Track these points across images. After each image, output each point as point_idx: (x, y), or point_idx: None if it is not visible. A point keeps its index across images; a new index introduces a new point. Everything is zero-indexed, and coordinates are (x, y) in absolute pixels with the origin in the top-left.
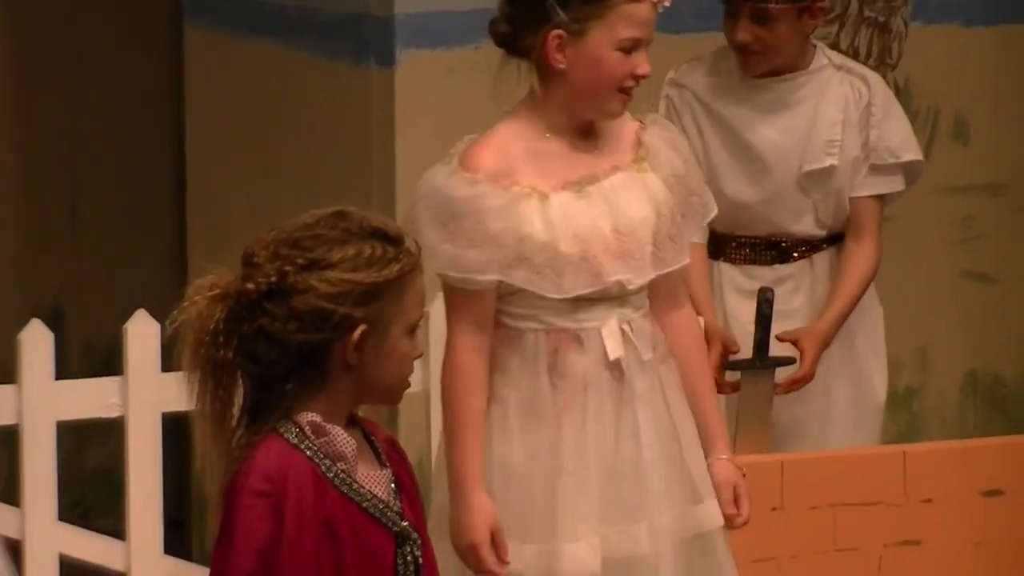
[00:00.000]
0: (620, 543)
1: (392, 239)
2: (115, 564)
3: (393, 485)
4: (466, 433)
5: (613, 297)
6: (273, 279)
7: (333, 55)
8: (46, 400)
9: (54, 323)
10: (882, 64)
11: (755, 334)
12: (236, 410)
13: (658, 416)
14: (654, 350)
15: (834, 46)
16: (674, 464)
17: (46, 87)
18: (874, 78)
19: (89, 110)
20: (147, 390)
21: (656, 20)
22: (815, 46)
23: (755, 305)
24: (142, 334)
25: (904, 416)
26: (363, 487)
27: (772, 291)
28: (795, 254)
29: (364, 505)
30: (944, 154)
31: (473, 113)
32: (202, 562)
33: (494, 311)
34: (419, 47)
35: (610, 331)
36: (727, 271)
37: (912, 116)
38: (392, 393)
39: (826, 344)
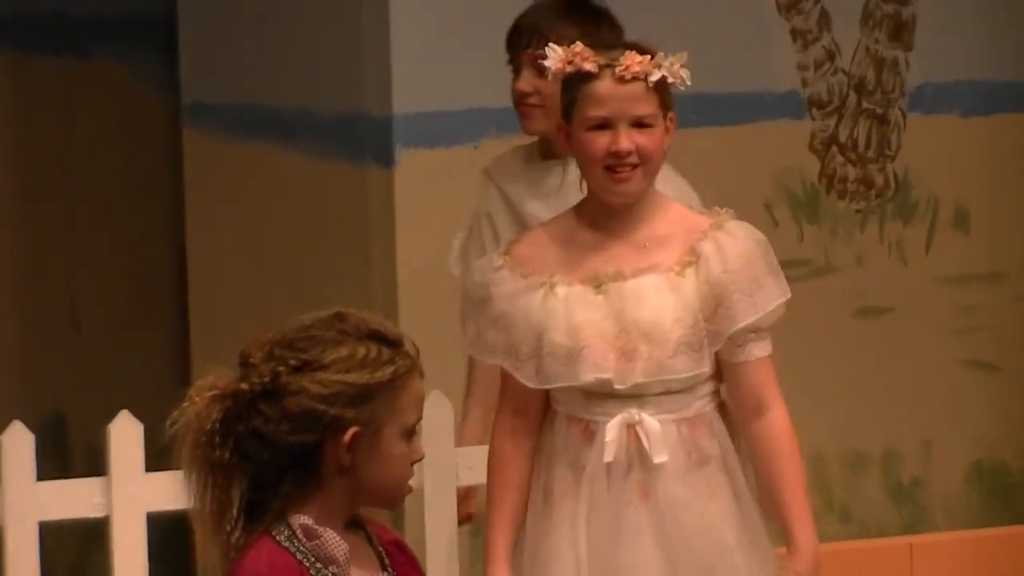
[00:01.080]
0: None
1: (389, 341)
2: None
3: None
4: (492, 514)
5: (626, 395)
6: (267, 379)
7: (331, 155)
8: (27, 501)
9: (56, 427)
10: (881, 155)
11: None
12: (234, 510)
13: (666, 523)
14: (688, 455)
15: (833, 138)
16: (696, 571)
17: (44, 190)
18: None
19: (89, 212)
20: (131, 490)
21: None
22: None
23: None
24: (125, 434)
25: (909, 508)
26: None
27: None
28: None
29: None
30: (944, 244)
31: (472, 210)
32: None
33: (539, 396)
34: (417, 147)
35: (611, 428)
36: None
37: (912, 206)
38: (388, 496)
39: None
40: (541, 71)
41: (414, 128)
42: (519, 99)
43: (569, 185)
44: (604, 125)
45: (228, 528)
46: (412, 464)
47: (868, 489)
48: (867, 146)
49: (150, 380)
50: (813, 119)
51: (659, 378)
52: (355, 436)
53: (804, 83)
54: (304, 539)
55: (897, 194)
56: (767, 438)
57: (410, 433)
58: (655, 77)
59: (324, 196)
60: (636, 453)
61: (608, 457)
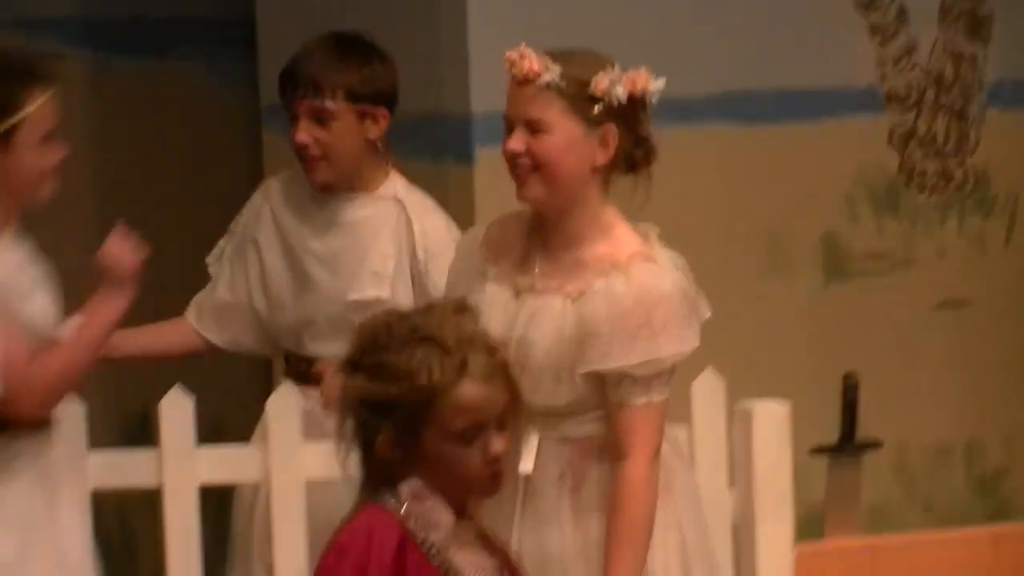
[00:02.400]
0: None
1: (432, 344)
2: None
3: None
4: None
5: (536, 412)
6: None
7: (411, 154)
8: (186, 465)
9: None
10: (960, 150)
11: (841, 419)
12: None
13: (548, 540)
14: (561, 476)
15: (912, 133)
16: None
17: (124, 192)
18: (428, 225)
19: (168, 213)
20: (183, 463)
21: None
22: (388, 173)
23: None
24: (177, 409)
25: (992, 498)
26: (453, 561)
27: (856, 375)
28: None
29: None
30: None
31: None
32: None
33: None
34: (496, 144)
35: (529, 442)
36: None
37: (991, 200)
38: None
39: None
40: (320, 120)
41: (493, 126)
42: (299, 151)
43: (353, 222)
44: (509, 126)
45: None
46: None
47: (951, 480)
48: (945, 141)
49: (232, 381)
50: (892, 114)
51: (532, 399)
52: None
53: (883, 78)
54: (410, 501)
55: (976, 188)
56: (615, 483)
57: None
58: (546, 79)
59: None
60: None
61: (526, 468)
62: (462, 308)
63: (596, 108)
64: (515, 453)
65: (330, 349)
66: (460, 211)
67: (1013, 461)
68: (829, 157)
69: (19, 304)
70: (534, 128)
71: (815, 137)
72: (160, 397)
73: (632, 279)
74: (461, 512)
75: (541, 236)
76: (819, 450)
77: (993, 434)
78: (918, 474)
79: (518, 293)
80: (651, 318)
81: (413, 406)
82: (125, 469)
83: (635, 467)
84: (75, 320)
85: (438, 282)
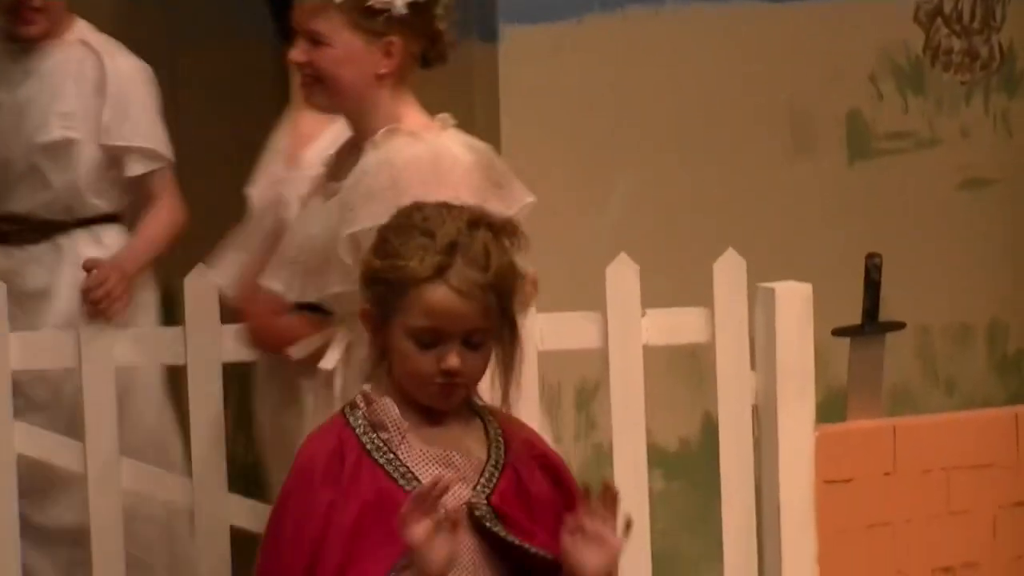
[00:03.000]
0: None
1: (424, 235)
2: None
3: (490, 472)
4: None
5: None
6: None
7: None
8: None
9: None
10: (986, 27)
11: (864, 299)
12: None
13: None
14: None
15: (938, 10)
16: None
17: None
18: (119, 64)
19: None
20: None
21: None
22: (74, 17)
23: None
24: (200, 287)
25: (1015, 379)
26: (399, 457)
27: (879, 255)
28: (36, 235)
29: (390, 471)
30: None
31: (577, 87)
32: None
33: None
34: (521, 22)
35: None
36: None
37: (1017, 78)
38: (408, 384)
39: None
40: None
41: (518, 3)
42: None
43: (42, 70)
44: (296, 36)
45: None
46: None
47: (973, 361)
48: (972, 18)
49: None
50: None
51: (325, 293)
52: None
53: None
54: (362, 406)
55: (1002, 66)
56: None
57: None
58: None
59: (429, 71)
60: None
61: (328, 365)
62: (478, 222)
63: (378, 20)
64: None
65: (27, 204)
66: (484, 91)
67: None
68: (854, 35)
69: None
70: (315, 40)
71: (840, 15)
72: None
73: (380, 150)
74: (428, 414)
75: (349, 141)
76: (841, 331)
77: (1016, 315)
78: (940, 355)
79: (329, 196)
80: (396, 181)
81: (388, 288)
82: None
83: None
84: None
85: (134, 119)
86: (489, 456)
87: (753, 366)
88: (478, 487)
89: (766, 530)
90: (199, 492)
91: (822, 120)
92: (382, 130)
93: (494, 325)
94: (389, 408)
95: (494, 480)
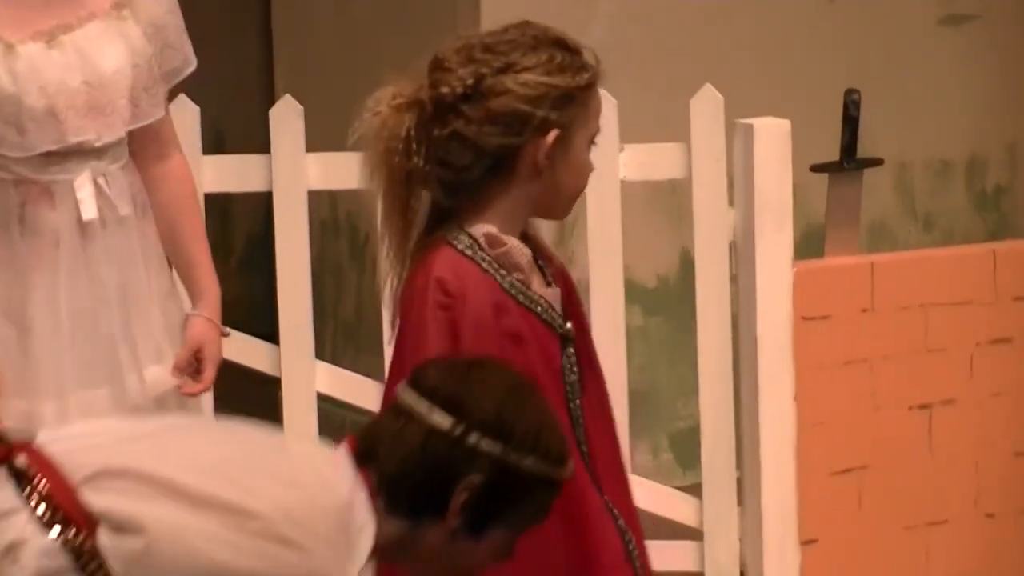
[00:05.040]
0: (90, 408)
1: (573, 49)
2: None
3: (560, 302)
4: None
5: (87, 151)
6: (469, 82)
7: None
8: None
9: None
10: None
11: (842, 136)
12: (418, 217)
13: (136, 274)
14: (134, 204)
15: None
16: (147, 324)
17: None
18: None
19: None
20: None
21: None
22: None
23: None
24: (287, 116)
25: (993, 214)
26: (536, 294)
27: (858, 91)
28: None
29: (539, 312)
30: None
31: None
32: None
33: None
34: None
35: (82, 186)
36: None
37: None
38: (567, 204)
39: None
40: None
41: None
42: None
43: None
44: None
45: (411, 237)
46: (588, 173)
47: (952, 197)
48: None
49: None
50: None
51: (134, 126)
52: (557, 139)
53: None
54: (488, 248)
55: None
56: (176, 180)
57: (592, 141)
58: None
59: None
60: (105, 208)
61: (89, 213)
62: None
63: None
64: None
65: None
66: None
67: (1014, 178)
68: None
69: None
70: None
71: None
72: None
73: None
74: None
75: None
76: (820, 167)
77: (995, 150)
78: (919, 191)
79: (53, 37)
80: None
81: (572, 101)
82: None
83: (185, 160)
84: None
85: None
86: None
87: (731, 202)
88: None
89: (743, 366)
90: (286, 360)
91: None
92: None
93: None
94: (522, 249)
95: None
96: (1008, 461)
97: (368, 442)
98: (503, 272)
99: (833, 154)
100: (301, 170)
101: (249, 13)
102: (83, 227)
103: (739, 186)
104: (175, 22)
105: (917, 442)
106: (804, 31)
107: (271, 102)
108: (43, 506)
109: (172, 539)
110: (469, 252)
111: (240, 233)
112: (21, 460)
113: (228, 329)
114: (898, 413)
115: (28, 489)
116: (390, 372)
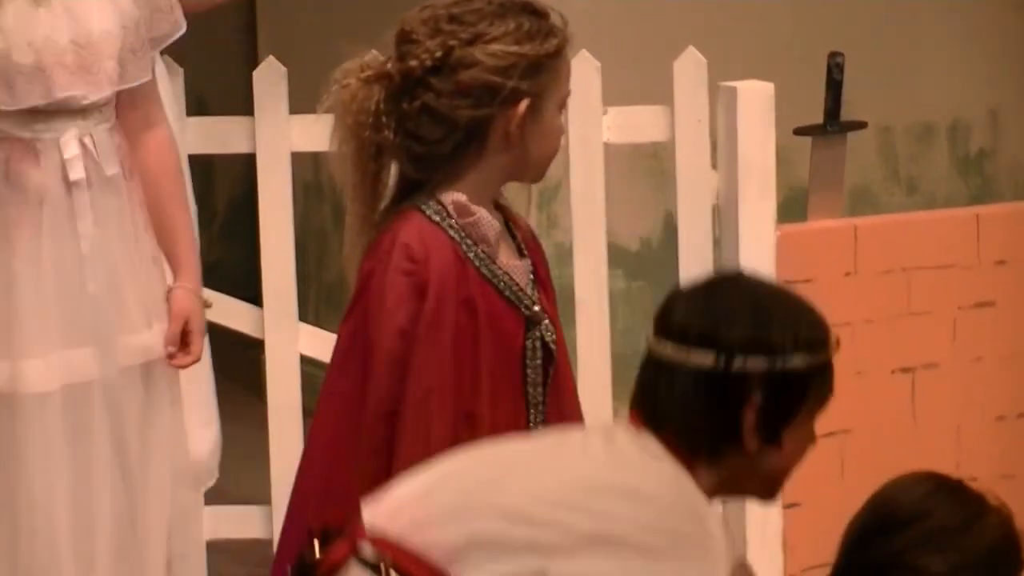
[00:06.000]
0: (74, 367)
1: (540, 14)
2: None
3: (531, 276)
4: None
5: (74, 110)
6: (438, 54)
7: None
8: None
9: None
10: None
11: (825, 99)
12: (386, 189)
13: (123, 234)
14: (121, 165)
15: None
16: (135, 287)
17: None
18: None
19: None
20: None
21: None
22: None
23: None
24: (270, 78)
25: (976, 179)
26: (501, 269)
27: (842, 55)
28: None
29: (500, 287)
30: None
31: None
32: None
33: None
34: None
35: (67, 144)
36: None
37: None
38: (541, 169)
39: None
40: None
41: None
42: None
43: None
44: None
45: (378, 209)
46: (559, 137)
47: (935, 160)
48: None
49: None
50: None
51: (121, 87)
52: (528, 108)
53: None
54: (456, 216)
55: None
56: (161, 150)
57: (563, 105)
58: None
59: None
60: (91, 168)
61: (76, 173)
62: None
63: None
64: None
65: None
66: None
67: (997, 142)
68: None
69: None
70: None
71: None
72: None
73: None
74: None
75: None
76: (803, 131)
77: (978, 114)
78: (902, 155)
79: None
80: None
81: (542, 68)
82: None
83: (170, 130)
84: None
85: None
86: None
87: (714, 165)
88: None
89: None
90: (270, 322)
91: None
92: None
93: None
94: (490, 221)
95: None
96: (990, 425)
97: (649, 407)
98: (468, 241)
99: (816, 117)
100: (284, 132)
101: None
102: (69, 186)
103: (722, 149)
104: None
105: (899, 406)
106: None
107: (254, 64)
108: None
109: None
110: (437, 218)
111: (222, 196)
112: (367, 551)
113: (210, 300)
114: (880, 377)
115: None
116: (344, 335)
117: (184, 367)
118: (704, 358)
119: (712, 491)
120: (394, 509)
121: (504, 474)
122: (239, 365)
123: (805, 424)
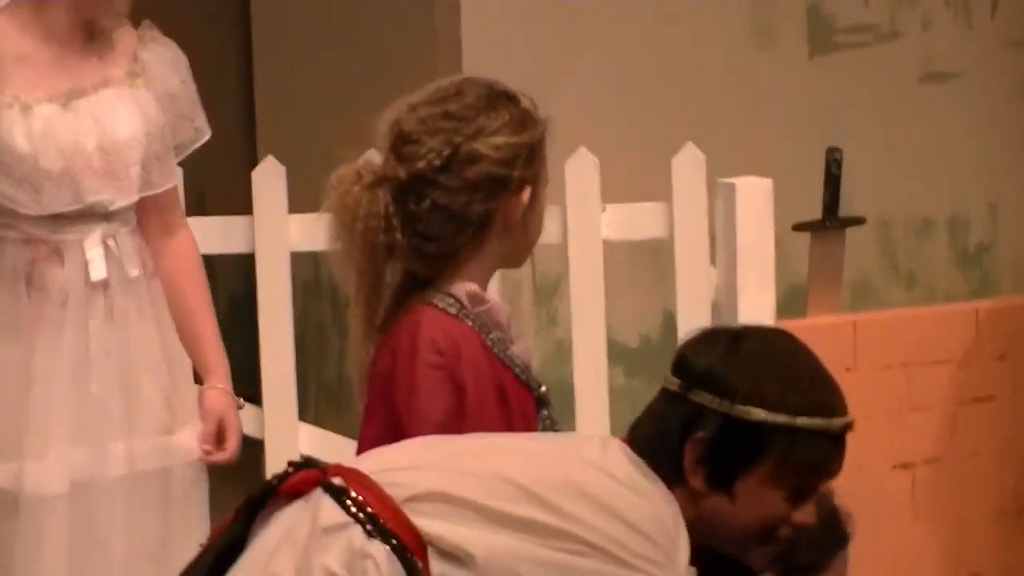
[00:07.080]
0: (86, 466)
1: (517, 100)
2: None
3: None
4: None
5: (99, 214)
6: (446, 152)
7: None
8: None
9: None
10: None
11: (824, 195)
12: (388, 287)
13: (143, 336)
14: (143, 267)
15: None
16: (157, 389)
17: None
18: None
19: None
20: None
21: None
22: None
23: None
24: (269, 177)
25: (976, 273)
26: (514, 354)
27: (840, 150)
28: None
29: (516, 372)
30: (1010, 6)
31: None
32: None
33: None
34: None
35: (92, 246)
36: None
37: None
38: (528, 254)
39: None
40: None
41: None
42: None
43: None
44: None
45: (379, 306)
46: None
47: (934, 255)
48: None
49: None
50: None
51: (147, 193)
52: (531, 195)
53: None
54: (470, 306)
55: None
56: (186, 255)
57: (546, 188)
58: None
59: None
60: (114, 269)
61: (98, 274)
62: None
63: None
64: None
65: None
66: None
67: (997, 235)
68: None
69: None
70: None
71: None
72: None
73: (166, 47)
74: None
75: (56, 44)
76: (802, 226)
77: (977, 208)
78: (901, 250)
79: (68, 101)
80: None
81: (535, 154)
82: None
83: (190, 234)
84: None
85: None
86: None
87: (713, 261)
88: None
89: None
90: (270, 421)
91: (783, 14)
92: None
93: None
94: (502, 306)
95: None
96: (992, 520)
97: (635, 423)
98: (485, 329)
99: (815, 213)
100: (284, 231)
101: (231, 74)
102: (91, 287)
103: (721, 245)
104: (189, 92)
105: (900, 501)
106: (785, 89)
107: (253, 163)
108: (371, 524)
109: (504, 570)
110: (453, 311)
111: (222, 295)
112: (338, 480)
113: (242, 400)
114: (881, 472)
115: (353, 507)
116: (368, 438)
117: (219, 463)
118: (673, 382)
119: (688, 523)
120: (373, 456)
121: (488, 451)
122: (239, 465)
123: (767, 489)
